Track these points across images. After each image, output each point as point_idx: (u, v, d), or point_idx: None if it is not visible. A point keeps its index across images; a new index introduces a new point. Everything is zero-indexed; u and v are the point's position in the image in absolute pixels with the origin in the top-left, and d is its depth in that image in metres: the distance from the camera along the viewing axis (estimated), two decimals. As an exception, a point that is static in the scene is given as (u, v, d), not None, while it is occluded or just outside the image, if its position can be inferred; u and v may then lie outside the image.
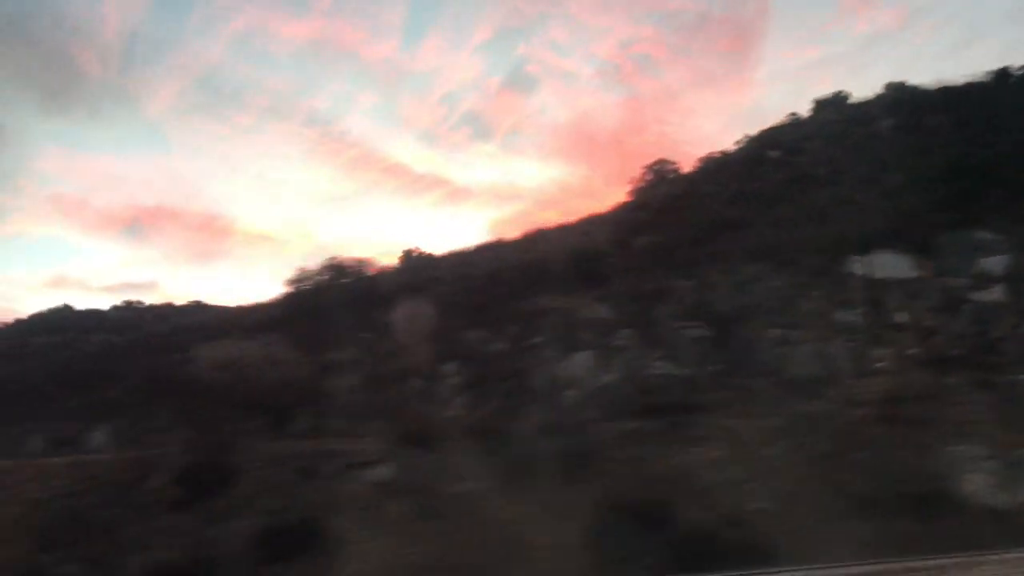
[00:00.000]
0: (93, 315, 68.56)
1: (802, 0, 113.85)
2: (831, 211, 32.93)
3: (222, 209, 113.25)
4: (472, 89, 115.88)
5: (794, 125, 48.40)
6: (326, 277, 29.93)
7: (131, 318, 68.05)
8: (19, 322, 69.29)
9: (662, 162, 47.06)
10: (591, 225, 38.45)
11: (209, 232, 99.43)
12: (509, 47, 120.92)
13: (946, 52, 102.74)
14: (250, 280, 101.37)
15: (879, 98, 49.42)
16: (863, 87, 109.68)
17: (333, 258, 30.49)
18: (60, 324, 65.55)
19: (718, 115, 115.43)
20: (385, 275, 33.25)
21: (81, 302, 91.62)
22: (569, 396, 23.64)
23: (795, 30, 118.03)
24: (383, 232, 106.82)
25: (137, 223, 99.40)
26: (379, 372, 24.62)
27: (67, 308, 70.57)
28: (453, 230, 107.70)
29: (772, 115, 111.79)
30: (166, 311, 71.56)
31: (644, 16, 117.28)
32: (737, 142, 50.97)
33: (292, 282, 30.83)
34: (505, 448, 20.08)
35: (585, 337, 25.72)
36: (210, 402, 23.28)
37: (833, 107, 50.30)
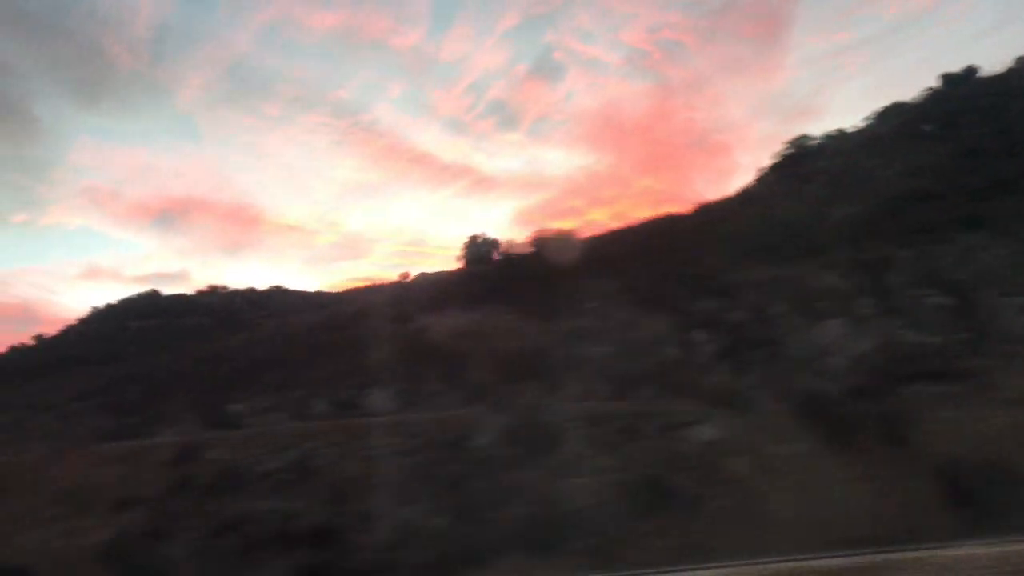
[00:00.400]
0: (180, 299, 69.60)
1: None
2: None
3: (251, 199, 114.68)
4: (498, 77, 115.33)
5: (934, 101, 47.86)
6: (538, 248, 29.96)
7: (217, 303, 68.89)
8: (109, 307, 70.16)
9: (803, 138, 46.86)
10: (753, 199, 38.29)
11: (238, 222, 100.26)
12: (536, 35, 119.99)
13: (978, 34, 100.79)
14: (280, 268, 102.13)
15: (1011, 72, 48.83)
16: (896, 69, 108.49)
17: (541, 230, 30.47)
18: (150, 309, 66.49)
19: (746, 100, 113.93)
20: (591, 247, 33.21)
21: (115, 291, 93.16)
22: (830, 363, 23.62)
23: (824, 14, 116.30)
24: (410, 221, 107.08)
25: (168, 213, 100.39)
26: (627, 339, 24.70)
27: (155, 293, 71.44)
28: (482, 217, 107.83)
29: (802, 99, 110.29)
30: (252, 296, 72.47)
31: (671, 2, 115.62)
32: (866, 119, 50.60)
33: (503, 253, 30.79)
34: (806, 411, 20.12)
35: (825, 306, 25.67)
36: (472, 367, 23.47)
37: (965, 82, 49.71)
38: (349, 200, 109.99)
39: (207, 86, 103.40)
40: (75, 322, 70.21)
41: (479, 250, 74.32)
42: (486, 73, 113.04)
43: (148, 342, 55.41)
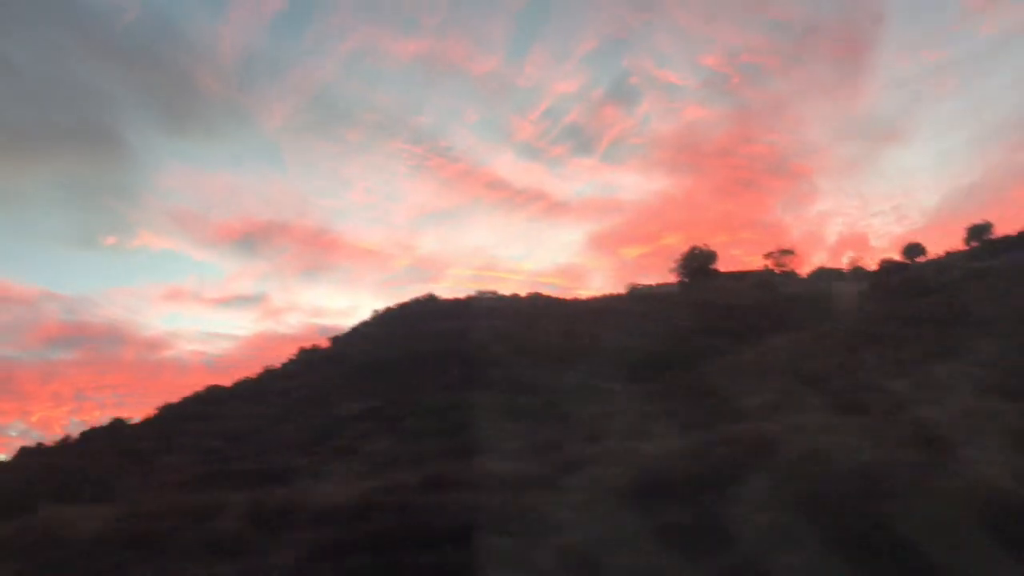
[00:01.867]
0: (453, 303, 68.37)
1: (920, 2, 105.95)
2: None
3: (330, 223, 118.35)
4: (574, 102, 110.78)
5: None
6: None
7: (490, 306, 66.81)
8: (388, 311, 69.90)
9: None
10: None
11: (317, 246, 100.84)
12: (613, 59, 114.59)
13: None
14: (357, 292, 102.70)
15: None
16: (989, 91, 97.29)
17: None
18: (428, 314, 65.43)
19: (828, 124, 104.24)
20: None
21: (197, 313, 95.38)
22: None
23: (913, 34, 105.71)
24: (483, 245, 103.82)
25: (250, 237, 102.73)
26: None
27: (432, 297, 70.80)
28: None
29: (887, 122, 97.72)
30: (515, 301, 70.32)
31: (752, 25, 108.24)
32: None
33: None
34: None
35: None
36: None
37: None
38: (424, 224, 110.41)
39: (292, 113, 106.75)
40: (356, 325, 70.34)
41: (696, 262, 68.08)
42: (562, 98, 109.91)
43: (458, 339, 54.53)
